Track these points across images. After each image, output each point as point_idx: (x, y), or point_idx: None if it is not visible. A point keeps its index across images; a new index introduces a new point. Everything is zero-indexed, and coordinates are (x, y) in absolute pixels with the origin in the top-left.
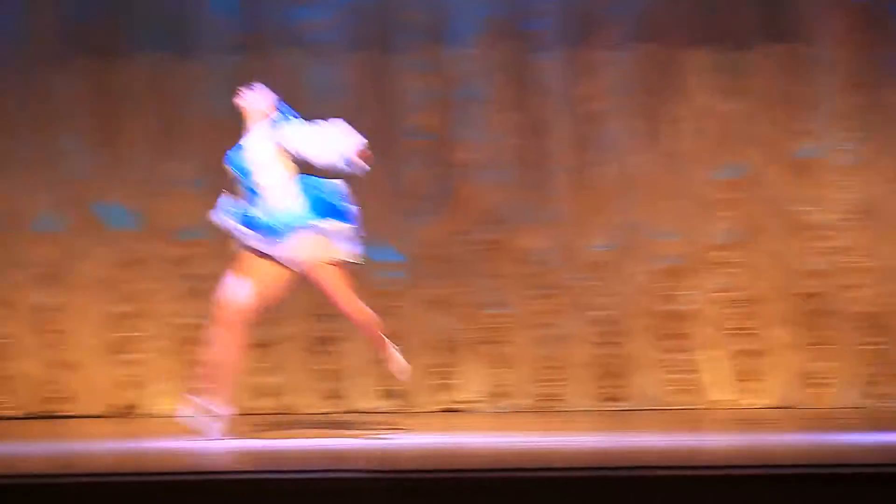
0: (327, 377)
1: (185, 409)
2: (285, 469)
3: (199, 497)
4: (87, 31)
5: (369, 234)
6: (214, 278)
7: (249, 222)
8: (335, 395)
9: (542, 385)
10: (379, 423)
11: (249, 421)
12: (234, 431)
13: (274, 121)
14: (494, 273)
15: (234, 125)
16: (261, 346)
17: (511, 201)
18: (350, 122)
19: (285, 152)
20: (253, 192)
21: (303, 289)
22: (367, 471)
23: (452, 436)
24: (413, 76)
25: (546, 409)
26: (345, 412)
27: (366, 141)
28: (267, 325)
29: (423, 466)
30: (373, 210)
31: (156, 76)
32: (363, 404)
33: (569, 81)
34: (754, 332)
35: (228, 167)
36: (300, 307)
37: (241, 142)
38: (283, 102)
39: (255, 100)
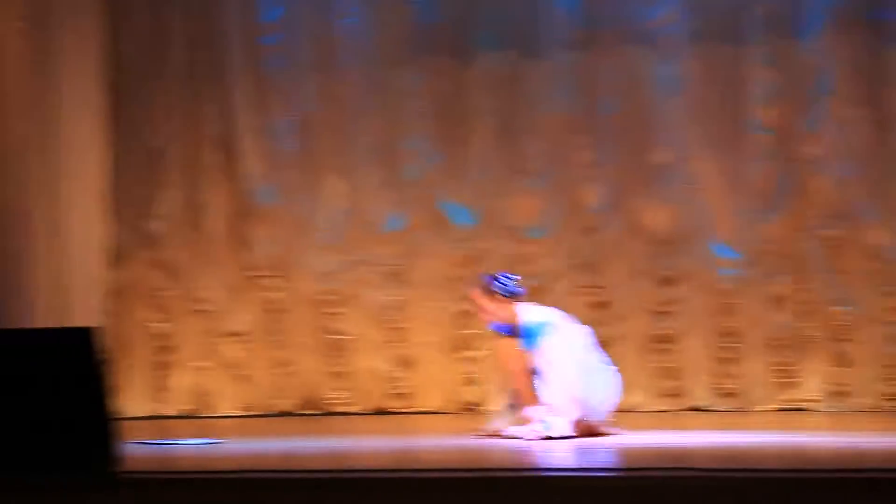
0: (665, 375)
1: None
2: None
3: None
4: (434, 31)
5: (709, 230)
6: (553, 276)
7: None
8: (673, 394)
9: (888, 384)
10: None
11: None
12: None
13: None
14: (839, 269)
15: (579, 122)
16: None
17: (858, 197)
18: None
19: None
20: None
21: (637, 287)
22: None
23: (793, 434)
24: (758, 69)
25: (891, 409)
26: (682, 410)
27: None
28: (604, 324)
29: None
30: (713, 205)
31: (500, 75)
32: (701, 402)
33: None
34: None
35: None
36: (635, 305)
37: None
38: None
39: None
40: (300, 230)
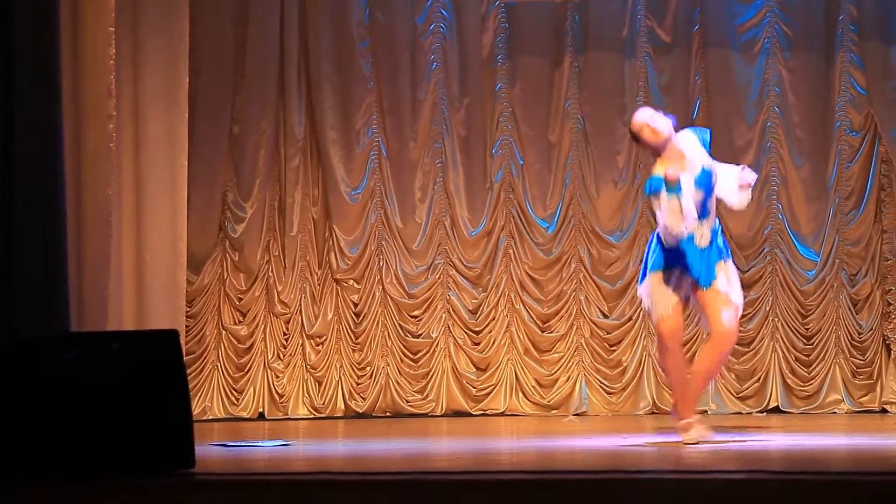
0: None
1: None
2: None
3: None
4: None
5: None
6: (631, 277)
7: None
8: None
9: None
10: None
11: None
12: None
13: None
14: None
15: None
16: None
17: None
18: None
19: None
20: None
21: None
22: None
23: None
24: (847, 73)
25: None
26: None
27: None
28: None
29: None
30: (797, 207)
31: (590, 77)
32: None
33: None
34: None
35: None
36: None
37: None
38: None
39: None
40: (383, 233)
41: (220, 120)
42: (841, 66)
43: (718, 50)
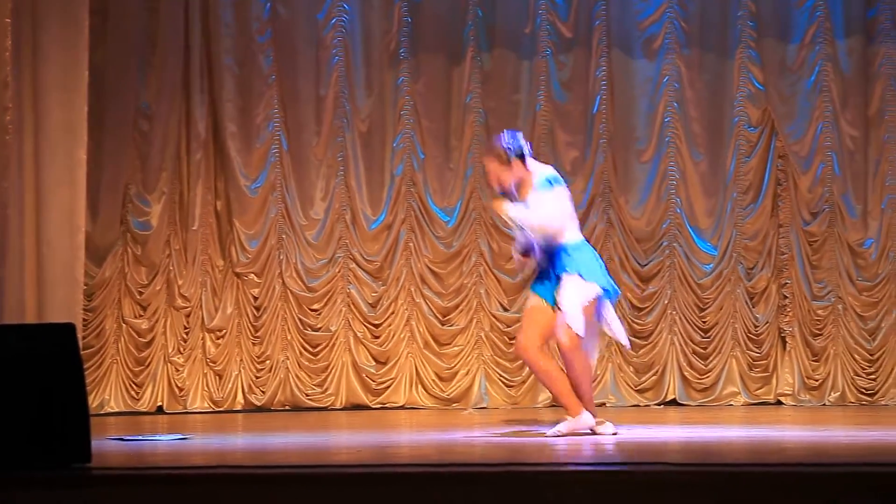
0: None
1: None
2: None
3: None
4: (423, 30)
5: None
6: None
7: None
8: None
9: (862, 378)
10: None
11: None
12: None
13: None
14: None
15: (567, 121)
16: None
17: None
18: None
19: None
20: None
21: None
22: None
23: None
24: (745, 69)
25: (866, 403)
26: (658, 404)
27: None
28: None
29: None
30: (696, 201)
31: (489, 73)
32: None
33: None
34: None
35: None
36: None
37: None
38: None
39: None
40: (283, 226)
41: (125, 112)
42: (739, 62)
43: (619, 45)
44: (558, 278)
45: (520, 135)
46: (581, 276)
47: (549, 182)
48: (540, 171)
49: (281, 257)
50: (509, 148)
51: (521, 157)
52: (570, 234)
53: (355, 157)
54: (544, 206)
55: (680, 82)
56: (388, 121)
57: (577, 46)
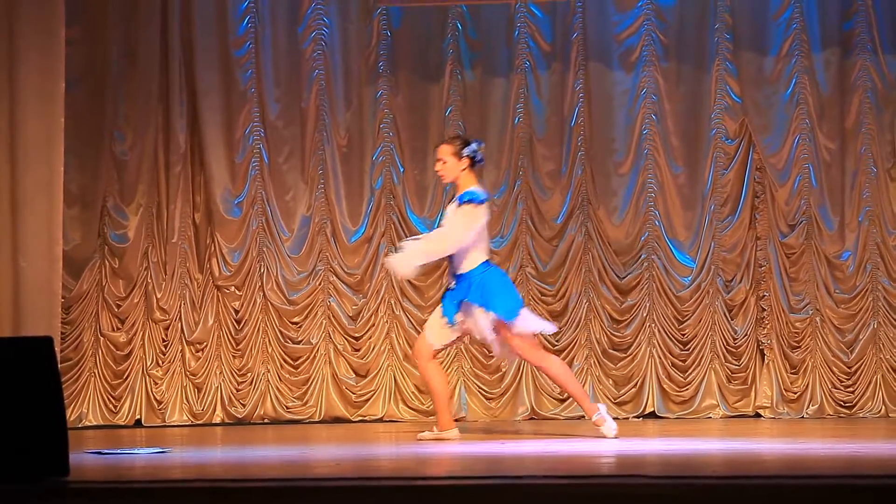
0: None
1: None
2: None
3: None
4: (401, 46)
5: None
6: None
7: None
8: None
9: (840, 391)
10: None
11: None
12: None
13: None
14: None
15: (544, 134)
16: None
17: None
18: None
19: None
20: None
21: (596, 294)
22: None
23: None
24: (723, 82)
25: (845, 416)
26: (637, 416)
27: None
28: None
29: None
30: (673, 214)
31: (466, 89)
32: (655, 409)
33: None
34: None
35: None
36: (591, 313)
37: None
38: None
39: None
40: (264, 239)
41: (103, 124)
42: (716, 74)
43: (597, 58)
44: (460, 303)
45: (483, 146)
46: (483, 307)
47: (471, 198)
48: (471, 185)
49: (262, 270)
50: (467, 144)
51: (472, 162)
52: (477, 256)
53: (335, 170)
54: (454, 222)
55: (658, 94)
56: (367, 134)
57: (555, 60)
